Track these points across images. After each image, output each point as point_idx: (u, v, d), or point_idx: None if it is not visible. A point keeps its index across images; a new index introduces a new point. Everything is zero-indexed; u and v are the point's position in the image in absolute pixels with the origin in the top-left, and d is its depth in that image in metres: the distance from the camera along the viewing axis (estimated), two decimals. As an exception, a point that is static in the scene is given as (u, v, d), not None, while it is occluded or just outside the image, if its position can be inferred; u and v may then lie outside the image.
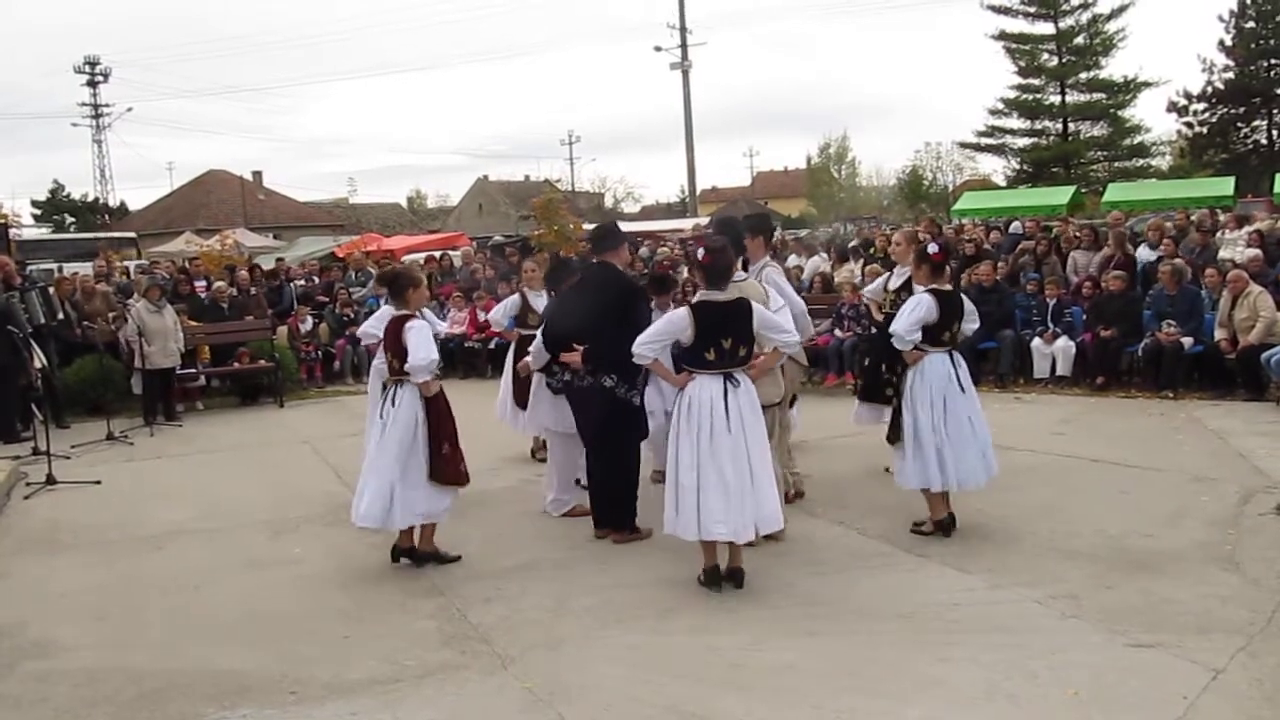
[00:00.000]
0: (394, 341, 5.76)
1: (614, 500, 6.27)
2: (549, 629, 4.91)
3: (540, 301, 8.03)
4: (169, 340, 11.39)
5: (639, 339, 5.26)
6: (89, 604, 5.59)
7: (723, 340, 5.14)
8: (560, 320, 6.47)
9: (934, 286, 5.93)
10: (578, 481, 6.91)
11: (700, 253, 5.31)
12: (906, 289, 7.07)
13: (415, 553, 5.91)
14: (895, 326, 5.86)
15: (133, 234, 33.72)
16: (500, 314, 8.33)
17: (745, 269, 6.14)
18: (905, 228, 12.46)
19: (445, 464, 5.75)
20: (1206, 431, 8.50)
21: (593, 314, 6.07)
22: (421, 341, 5.65)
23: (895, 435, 6.04)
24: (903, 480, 6.03)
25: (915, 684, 4.13)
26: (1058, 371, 10.91)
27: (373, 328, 7.27)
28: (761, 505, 5.14)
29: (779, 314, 5.76)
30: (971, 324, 6.17)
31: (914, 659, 4.36)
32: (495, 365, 13.15)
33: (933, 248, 6.03)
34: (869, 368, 7.86)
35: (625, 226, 11.80)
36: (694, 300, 5.37)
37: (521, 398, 7.53)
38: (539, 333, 6.76)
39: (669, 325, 5.27)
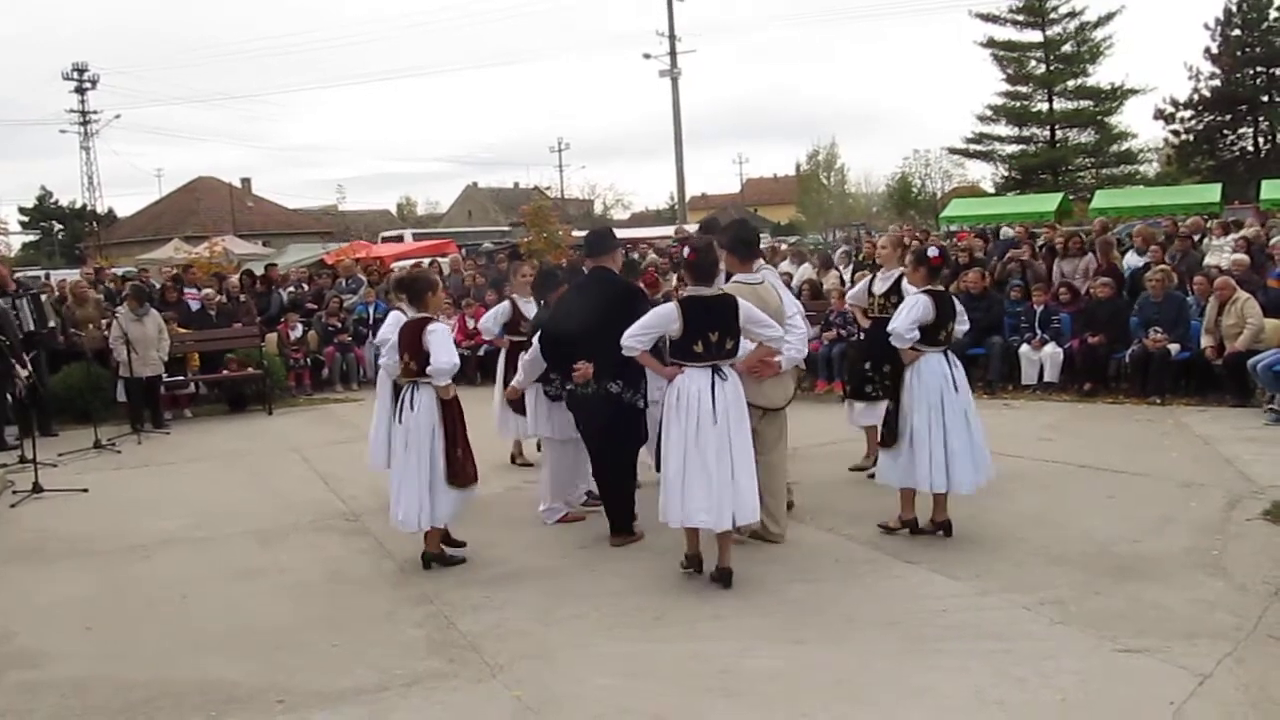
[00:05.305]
0: (413, 344, 5.85)
1: (620, 504, 6.29)
2: (538, 637, 4.91)
3: (530, 308, 7.98)
4: (150, 348, 11.33)
5: (628, 331, 5.43)
6: (76, 613, 5.56)
7: (710, 334, 5.30)
8: (561, 326, 6.44)
9: (929, 288, 6.02)
10: (590, 494, 6.90)
11: (687, 251, 5.56)
12: (895, 292, 7.12)
13: (440, 556, 6.00)
14: (894, 325, 5.94)
15: None
16: (490, 321, 8.30)
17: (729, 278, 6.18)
18: (890, 231, 12.51)
19: (460, 466, 5.87)
20: (1193, 437, 8.54)
21: (595, 319, 6.05)
22: (445, 345, 5.77)
23: (891, 438, 6.07)
24: (884, 479, 6.11)
25: (904, 691, 4.14)
26: (1045, 378, 10.97)
27: (389, 333, 7.24)
28: (740, 497, 5.25)
29: (793, 318, 5.98)
30: (961, 325, 6.27)
31: (902, 666, 4.37)
32: (484, 372, 13.19)
33: (933, 251, 6.17)
34: (854, 367, 7.90)
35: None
36: (682, 295, 5.54)
37: (516, 403, 7.50)
38: (535, 341, 6.70)
39: (657, 319, 5.44)
